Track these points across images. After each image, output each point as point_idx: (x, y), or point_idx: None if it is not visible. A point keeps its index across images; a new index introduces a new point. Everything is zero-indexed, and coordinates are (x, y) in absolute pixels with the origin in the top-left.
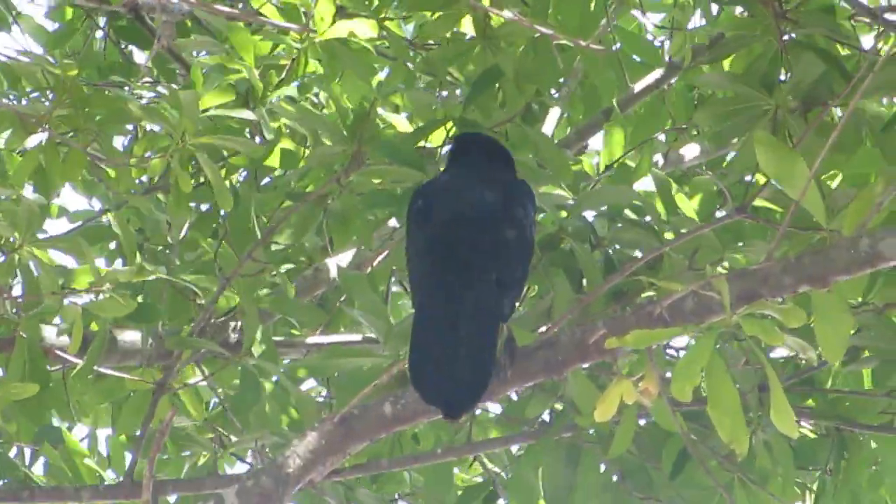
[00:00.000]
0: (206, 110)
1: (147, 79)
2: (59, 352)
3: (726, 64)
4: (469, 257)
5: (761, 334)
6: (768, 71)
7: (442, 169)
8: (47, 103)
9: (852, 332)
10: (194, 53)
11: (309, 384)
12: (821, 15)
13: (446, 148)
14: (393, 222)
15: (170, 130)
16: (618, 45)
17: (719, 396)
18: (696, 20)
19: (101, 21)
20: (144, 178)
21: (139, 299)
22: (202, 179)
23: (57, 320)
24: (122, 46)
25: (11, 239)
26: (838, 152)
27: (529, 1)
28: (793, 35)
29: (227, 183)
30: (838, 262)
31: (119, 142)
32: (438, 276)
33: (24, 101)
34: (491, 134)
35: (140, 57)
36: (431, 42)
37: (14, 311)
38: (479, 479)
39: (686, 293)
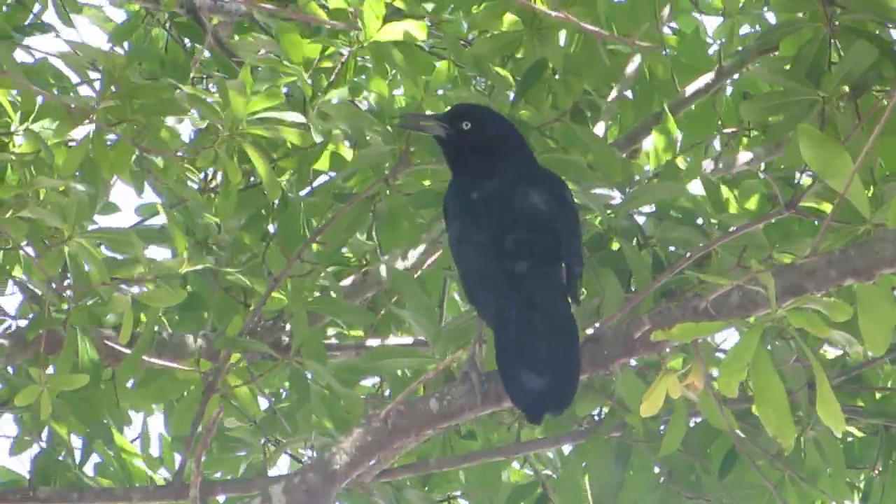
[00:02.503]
0: (254, 113)
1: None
2: (108, 342)
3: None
4: (539, 253)
5: (808, 327)
6: (817, 58)
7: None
8: (94, 94)
9: None
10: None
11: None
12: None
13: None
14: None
15: (218, 120)
16: (666, 50)
17: (765, 391)
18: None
19: (164, 17)
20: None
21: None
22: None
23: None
24: (184, 44)
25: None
26: (887, 135)
27: None
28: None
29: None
30: (883, 255)
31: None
32: (510, 277)
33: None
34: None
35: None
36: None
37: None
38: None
39: (731, 287)
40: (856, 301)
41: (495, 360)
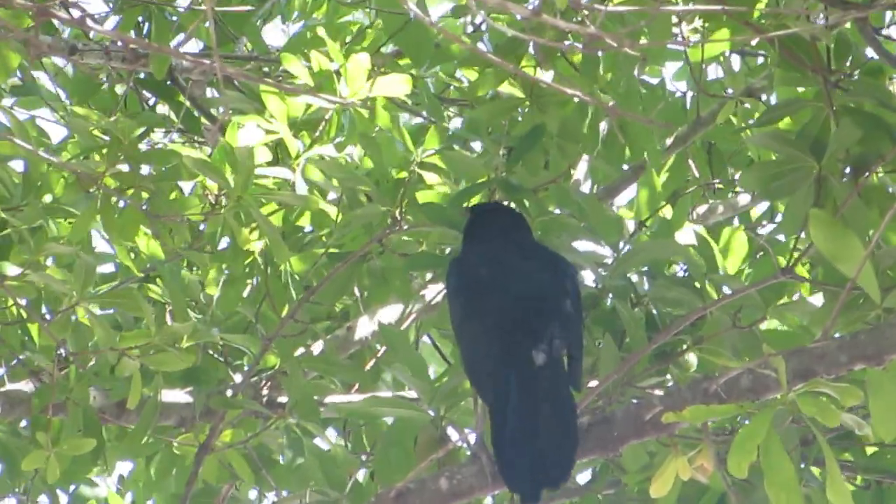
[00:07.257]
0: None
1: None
2: (106, 416)
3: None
4: (541, 333)
5: (818, 415)
6: (819, 136)
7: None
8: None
9: None
10: (221, 110)
11: None
12: (870, 81)
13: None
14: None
15: (225, 186)
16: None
17: (776, 473)
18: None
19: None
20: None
21: None
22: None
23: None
24: (144, 97)
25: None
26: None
27: (579, 65)
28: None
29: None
30: (894, 341)
31: None
32: (511, 355)
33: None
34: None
35: (161, 108)
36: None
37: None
38: None
39: (741, 370)
40: (866, 384)
41: (491, 443)
